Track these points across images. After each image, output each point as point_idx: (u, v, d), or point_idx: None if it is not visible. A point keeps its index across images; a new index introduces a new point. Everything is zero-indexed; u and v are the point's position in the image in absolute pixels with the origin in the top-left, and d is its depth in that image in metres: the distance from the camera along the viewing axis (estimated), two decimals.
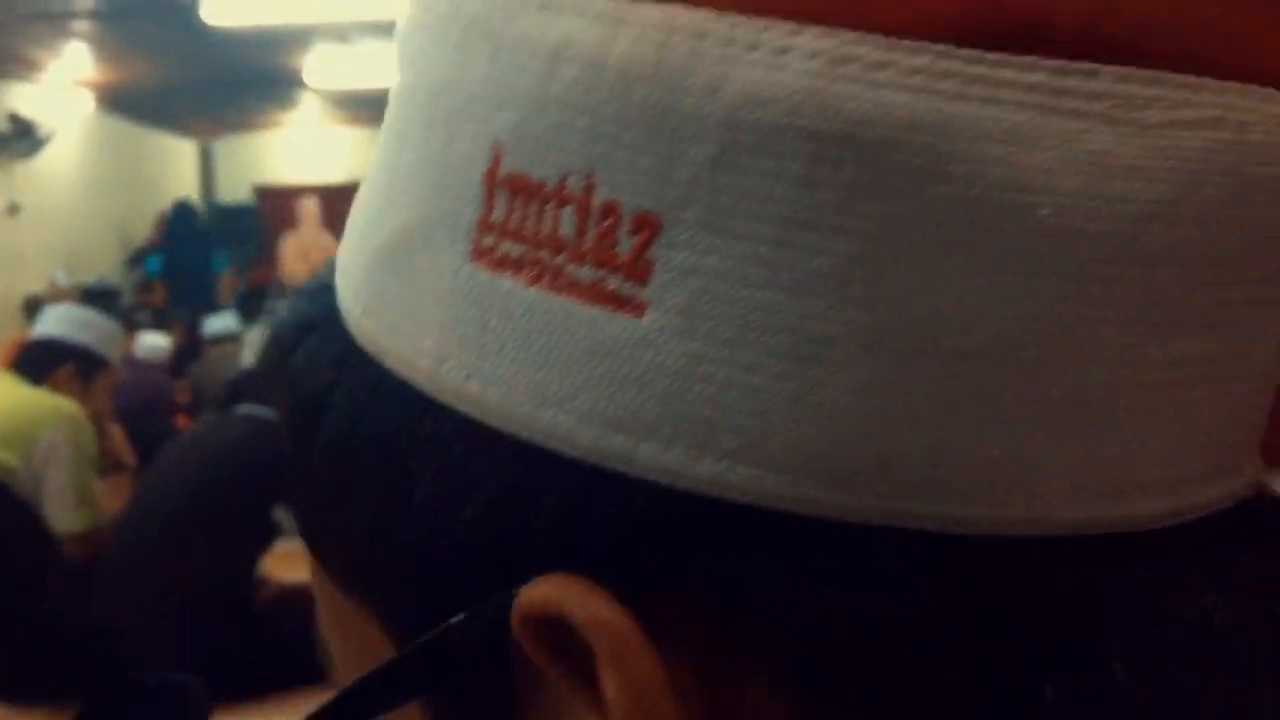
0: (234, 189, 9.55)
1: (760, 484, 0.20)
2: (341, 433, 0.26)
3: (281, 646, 2.19)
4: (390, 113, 0.26)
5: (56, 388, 2.57)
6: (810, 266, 0.20)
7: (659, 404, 0.21)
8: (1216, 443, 0.22)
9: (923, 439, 0.20)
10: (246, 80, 7.22)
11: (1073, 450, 0.20)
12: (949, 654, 0.21)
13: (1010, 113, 0.19)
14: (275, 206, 8.85)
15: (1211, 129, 0.19)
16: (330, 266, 0.29)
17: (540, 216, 0.22)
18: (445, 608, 0.23)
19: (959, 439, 0.20)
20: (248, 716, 2.14)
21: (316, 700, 0.25)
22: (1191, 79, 0.19)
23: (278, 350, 0.29)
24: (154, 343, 4.31)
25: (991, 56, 0.19)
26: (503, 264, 0.22)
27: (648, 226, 0.20)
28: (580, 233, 0.21)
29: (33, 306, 5.39)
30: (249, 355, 3.48)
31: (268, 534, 2.39)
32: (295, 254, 6.71)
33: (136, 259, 7.60)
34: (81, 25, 5.85)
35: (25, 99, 6.40)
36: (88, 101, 7.29)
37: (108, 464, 2.88)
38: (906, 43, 0.19)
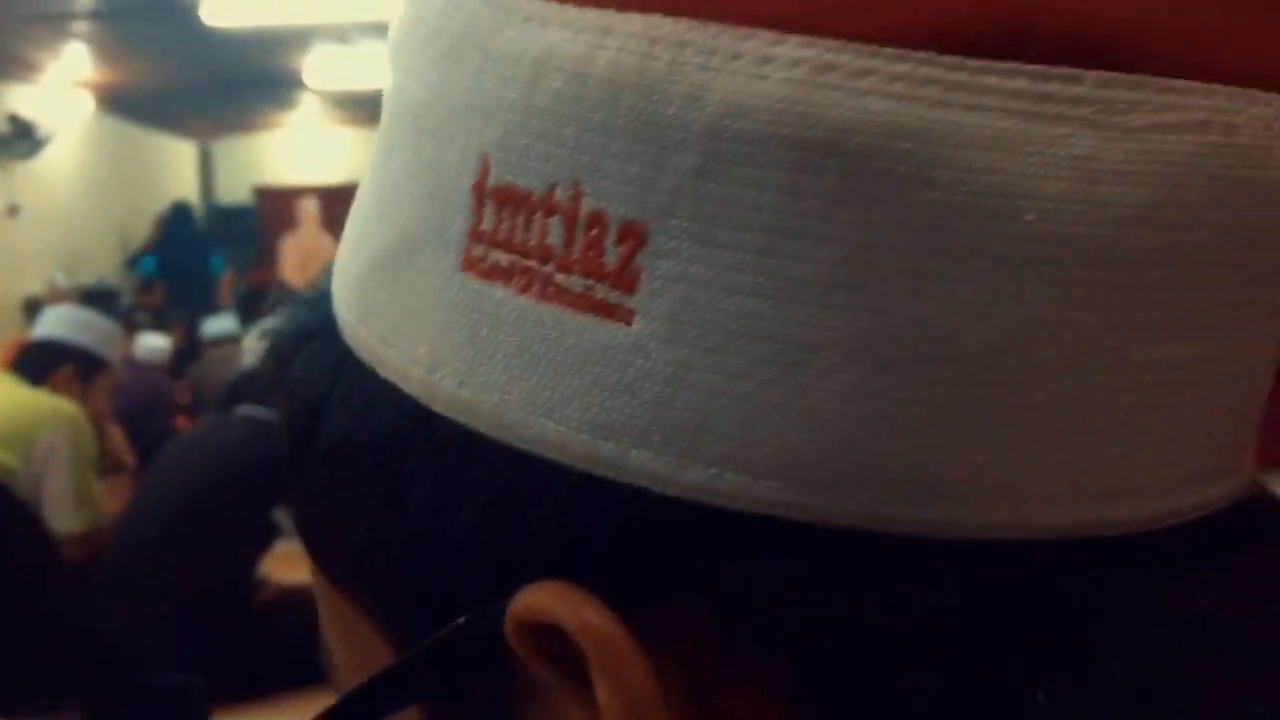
0: (234, 190, 9.53)
1: (749, 490, 0.21)
2: (339, 441, 0.26)
3: (281, 647, 2.19)
4: (383, 122, 0.26)
5: (56, 389, 2.57)
6: (795, 274, 0.20)
7: (648, 411, 0.21)
8: (1211, 444, 0.22)
9: (909, 444, 0.20)
10: (246, 81, 7.21)
11: (1060, 454, 0.20)
12: (942, 657, 0.21)
13: (993, 119, 0.19)
14: (275, 207, 8.83)
15: (1197, 132, 0.19)
16: (328, 274, 0.29)
17: (528, 226, 0.22)
18: (443, 614, 0.23)
19: (945, 444, 0.20)
20: (248, 717, 2.14)
21: (316, 701, 0.25)
22: (1177, 82, 0.19)
23: (277, 359, 0.29)
24: (154, 344, 4.31)
25: (973, 63, 0.19)
26: (493, 273, 0.22)
27: (634, 235, 0.21)
28: (568, 242, 0.21)
29: (32, 307, 5.38)
30: (249, 355, 3.47)
31: (267, 535, 2.39)
32: (295, 255, 6.71)
33: (135, 260, 7.59)
34: (81, 26, 5.85)
35: (25, 100, 6.39)
36: (87, 102, 7.27)
37: (107, 465, 2.88)
38: (888, 50, 0.19)
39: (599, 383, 0.21)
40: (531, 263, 0.22)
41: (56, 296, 5.67)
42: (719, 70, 0.19)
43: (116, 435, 3.10)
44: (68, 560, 1.88)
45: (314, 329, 0.28)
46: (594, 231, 0.21)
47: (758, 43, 0.19)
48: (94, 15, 5.67)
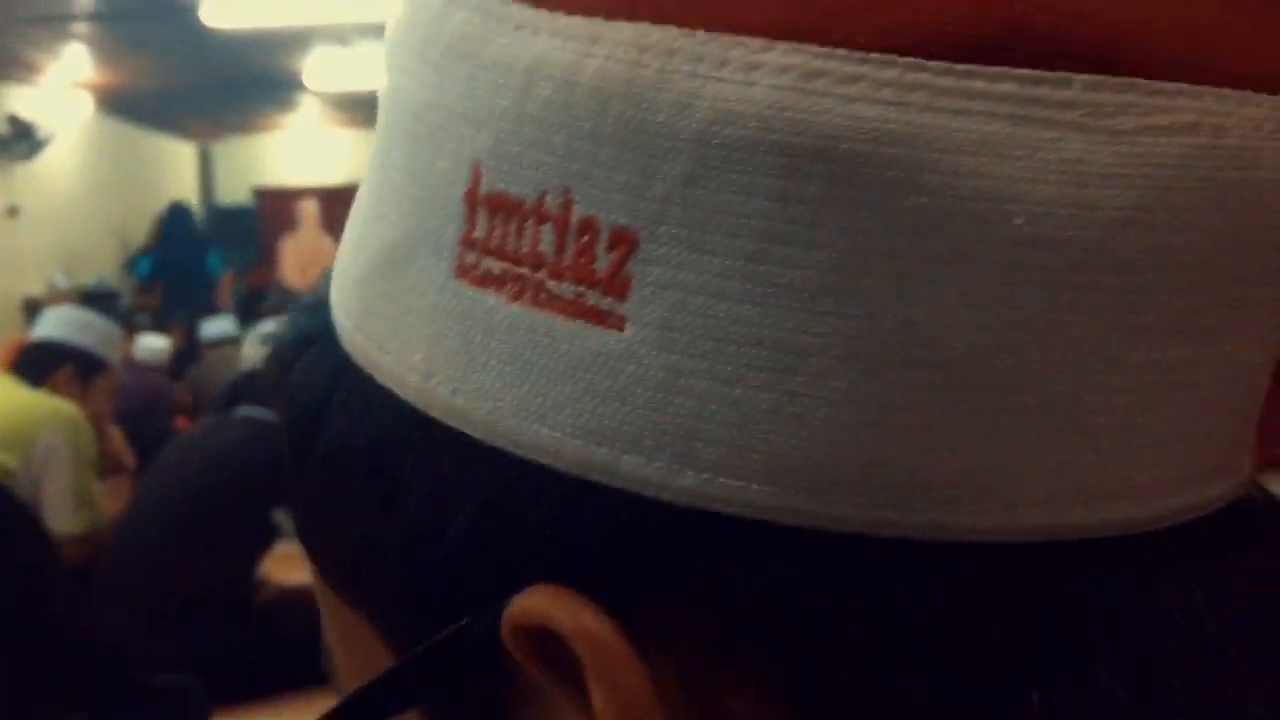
0: (233, 191, 9.52)
1: (742, 495, 0.21)
2: (337, 446, 0.26)
3: (281, 648, 2.19)
4: (380, 122, 0.26)
5: (56, 390, 2.56)
6: (785, 280, 0.20)
7: (640, 417, 0.21)
8: (1209, 444, 0.22)
9: (901, 448, 0.20)
10: (246, 82, 7.20)
11: (1055, 456, 0.20)
12: (939, 658, 0.21)
13: (981, 123, 0.19)
14: (275, 208, 8.83)
15: (1187, 134, 0.19)
16: (327, 280, 0.29)
17: (520, 233, 0.22)
18: (441, 618, 0.24)
19: (937, 448, 0.20)
20: (247, 718, 2.14)
21: (316, 702, 0.26)
22: (1166, 85, 0.19)
23: (278, 364, 0.30)
24: (153, 345, 4.30)
25: (960, 68, 0.19)
26: (485, 280, 0.23)
27: (624, 242, 0.21)
28: (559, 249, 0.21)
29: (32, 308, 5.38)
30: (249, 355, 3.47)
31: (267, 536, 2.38)
32: (295, 256, 6.71)
33: (132, 261, 7.58)
34: (80, 27, 5.84)
35: (24, 101, 6.38)
36: (87, 104, 7.27)
37: (107, 466, 2.88)
38: (876, 56, 0.19)
39: (591, 389, 0.21)
40: (523, 270, 0.22)
41: (56, 297, 5.67)
42: (707, 78, 0.20)
43: (116, 436, 3.10)
44: (67, 561, 1.88)
45: (314, 334, 0.28)
46: (585, 238, 0.21)
47: (745, 50, 0.19)
48: (94, 16, 5.67)
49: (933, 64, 0.19)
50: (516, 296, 0.22)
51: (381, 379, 0.25)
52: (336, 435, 0.26)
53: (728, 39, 0.20)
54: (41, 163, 6.53)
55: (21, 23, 5.36)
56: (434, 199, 0.24)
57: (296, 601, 2.20)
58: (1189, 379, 0.21)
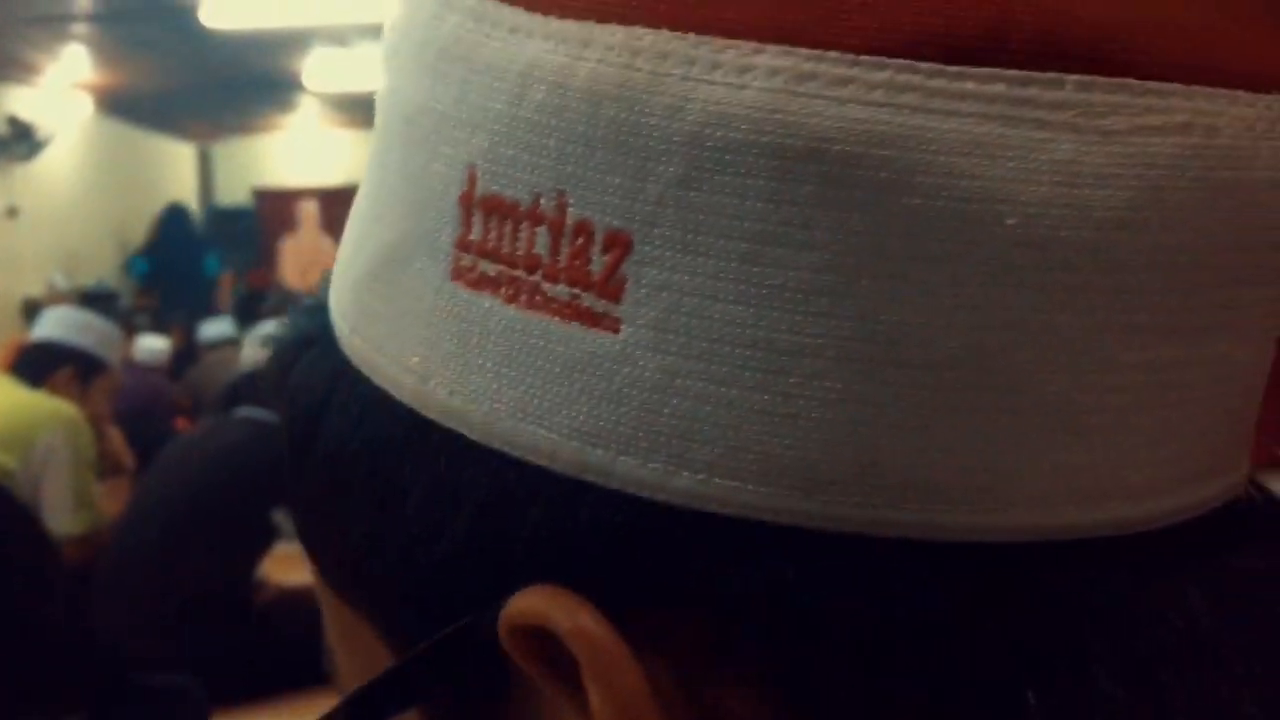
0: (233, 192, 9.51)
1: (738, 495, 0.21)
2: (337, 448, 0.26)
3: (280, 649, 2.18)
4: (376, 129, 0.27)
5: (55, 390, 2.56)
6: (778, 281, 0.20)
7: (635, 418, 0.21)
8: (1204, 444, 0.22)
9: (896, 448, 0.20)
10: (245, 83, 7.19)
11: (1050, 456, 0.21)
12: (936, 658, 0.21)
13: (973, 124, 0.19)
14: (274, 209, 8.83)
15: (1179, 134, 0.19)
16: (326, 282, 0.29)
17: (515, 236, 0.22)
18: (440, 618, 0.24)
19: (932, 448, 0.20)
20: (247, 718, 2.14)
21: (315, 702, 0.26)
22: (1158, 85, 0.19)
23: (278, 366, 0.30)
24: (153, 345, 4.30)
25: (952, 69, 0.19)
26: (481, 283, 0.23)
27: (619, 244, 0.21)
28: (554, 251, 0.21)
29: (31, 309, 5.37)
30: (249, 356, 3.46)
31: (266, 536, 2.38)
32: (294, 257, 6.71)
33: (130, 262, 7.57)
34: (80, 28, 5.83)
35: (24, 102, 6.38)
36: (86, 104, 7.26)
37: (106, 467, 2.88)
38: (867, 58, 0.19)
39: (586, 390, 0.21)
40: (519, 272, 0.22)
41: (55, 298, 5.67)
42: (699, 80, 0.20)
43: (116, 437, 3.09)
44: (67, 562, 1.88)
45: (313, 336, 0.29)
46: (580, 241, 0.21)
47: (737, 52, 0.19)
48: (93, 17, 5.67)
49: (924, 65, 0.19)
50: (512, 299, 0.22)
51: (379, 380, 0.25)
52: (336, 436, 0.26)
53: (720, 42, 0.20)
54: (41, 163, 6.53)
55: (21, 23, 5.36)
56: (430, 201, 0.24)
57: (296, 601, 2.20)
58: (1182, 379, 0.21)
